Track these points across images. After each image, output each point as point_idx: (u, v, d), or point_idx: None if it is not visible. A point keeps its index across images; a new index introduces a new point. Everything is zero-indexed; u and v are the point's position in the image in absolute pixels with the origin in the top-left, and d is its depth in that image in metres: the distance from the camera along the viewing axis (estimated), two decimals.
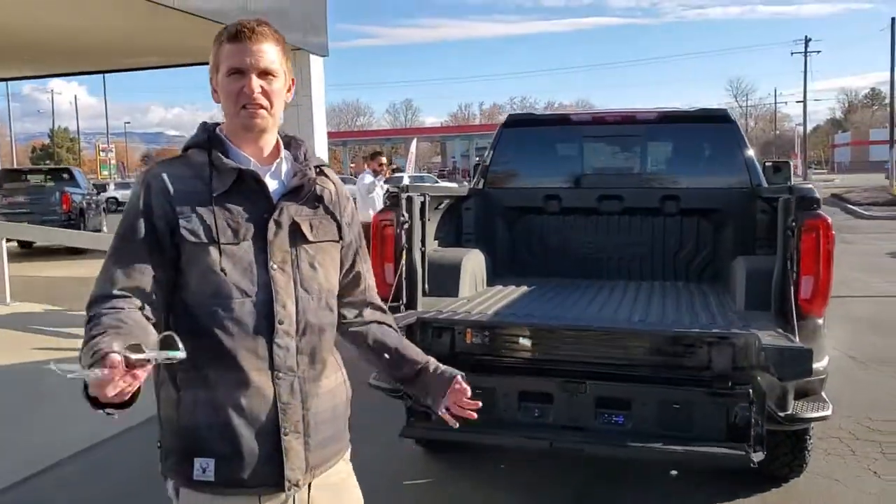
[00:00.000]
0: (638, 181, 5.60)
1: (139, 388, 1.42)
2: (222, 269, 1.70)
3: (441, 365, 2.01)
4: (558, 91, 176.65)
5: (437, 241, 4.76)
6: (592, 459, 4.48)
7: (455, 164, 72.27)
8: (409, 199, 4.01)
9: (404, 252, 3.94)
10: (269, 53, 1.76)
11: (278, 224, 1.76)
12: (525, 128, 5.76)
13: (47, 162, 63.05)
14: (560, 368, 3.50)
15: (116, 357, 1.35)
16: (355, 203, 2.88)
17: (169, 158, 1.85)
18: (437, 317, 3.67)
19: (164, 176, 1.75)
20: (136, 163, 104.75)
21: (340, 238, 1.90)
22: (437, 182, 42.22)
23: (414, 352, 2.05)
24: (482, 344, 3.60)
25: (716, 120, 5.47)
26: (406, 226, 3.94)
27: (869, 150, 73.42)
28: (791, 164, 6.93)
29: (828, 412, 3.53)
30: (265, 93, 1.75)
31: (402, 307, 3.88)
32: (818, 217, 3.46)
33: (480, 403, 1.95)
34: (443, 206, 4.87)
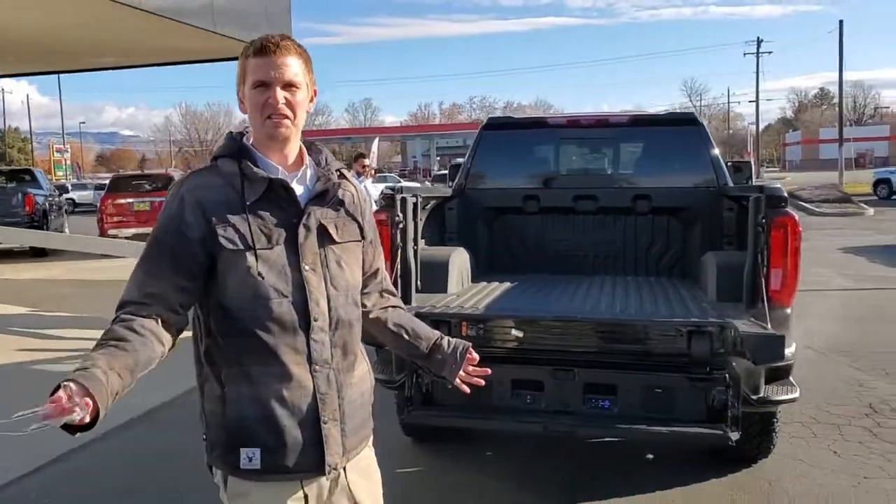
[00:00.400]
0: (611, 181, 5.88)
1: (96, 412, 1.65)
2: (259, 274, 1.82)
3: (451, 339, 2.19)
4: (517, 91, 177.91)
5: (423, 240, 4.97)
6: (575, 449, 4.75)
7: (416, 164, 72.35)
8: (404, 200, 4.22)
9: (399, 250, 4.14)
10: (293, 66, 1.87)
11: (307, 228, 1.89)
12: (504, 130, 6.00)
13: None
14: (550, 357, 3.74)
15: (59, 395, 1.61)
16: None
17: (200, 169, 1.96)
18: (433, 311, 3.88)
19: (198, 188, 1.86)
20: (91, 163, 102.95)
21: (362, 237, 2.04)
22: (399, 181, 42.35)
23: (426, 329, 2.22)
24: (476, 336, 3.82)
25: (684, 123, 5.77)
26: (401, 225, 4.15)
27: (819, 148, 75.27)
28: (752, 163, 7.28)
29: (795, 395, 3.82)
30: (289, 104, 1.86)
31: None
32: (786, 214, 3.75)
33: (489, 370, 2.17)
34: (429, 206, 5.08)
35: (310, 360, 1.88)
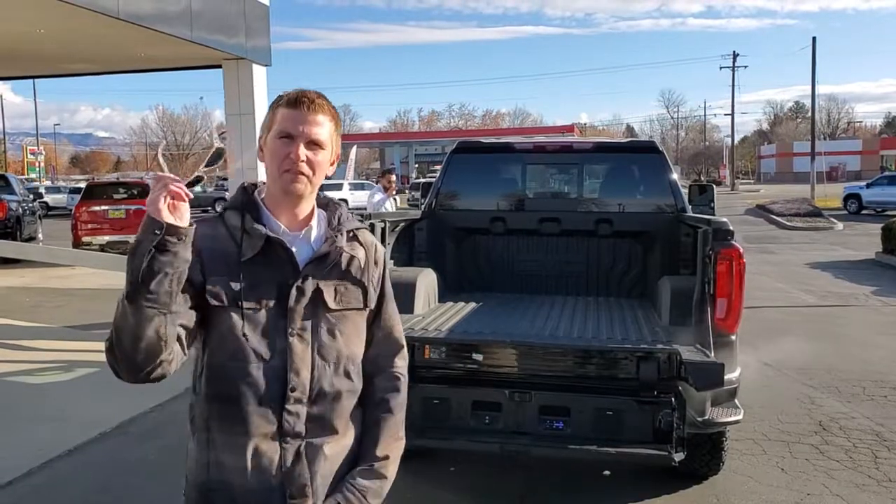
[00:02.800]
0: (575, 205, 6.10)
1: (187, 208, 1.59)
2: (243, 334, 1.74)
3: (362, 483, 1.86)
4: (496, 99, 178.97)
5: (392, 261, 5.13)
6: (534, 464, 4.93)
7: (395, 171, 72.35)
8: (372, 226, 4.38)
9: None
10: (322, 126, 1.82)
11: (301, 291, 1.79)
12: (472, 154, 6.20)
13: None
14: (508, 379, 3.93)
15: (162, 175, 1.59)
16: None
17: (209, 217, 1.87)
18: None
19: (203, 236, 1.76)
20: (66, 165, 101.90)
21: (365, 305, 1.89)
22: (376, 187, 42.43)
23: (372, 447, 1.90)
24: (438, 358, 4.00)
25: (645, 150, 6.00)
26: None
27: (793, 161, 76.22)
28: (714, 187, 7.51)
29: (739, 417, 4.04)
30: (310, 162, 1.79)
31: None
32: (731, 247, 3.96)
33: None
34: (398, 228, 5.26)
35: (280, 433, 1.76)
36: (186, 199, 1.58)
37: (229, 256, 1.79)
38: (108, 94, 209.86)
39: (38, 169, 61.38)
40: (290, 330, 1.78)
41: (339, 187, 38.85)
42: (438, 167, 6.73)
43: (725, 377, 3.55)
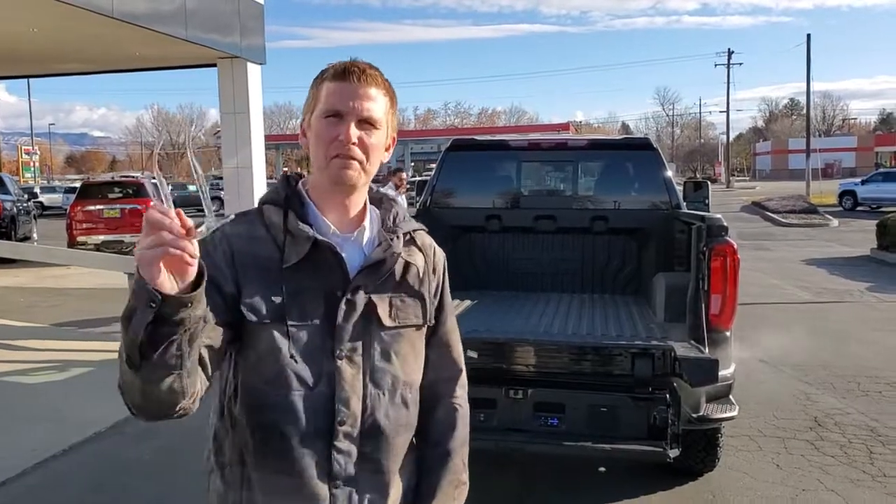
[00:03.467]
0: (570, 202, 6.09)
1: (200, 267, 1.23)
2: (290, 355, 1.46)
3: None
4: (492, 97, 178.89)
5: None
6: (531, 461, 4.93)
7: (391, 169, 72.36)
8: None
9: None
10: (377, 101, 1.52)
11: (351, 304, 1.51)
12: (467, 152, 6.20)
13: None
14: (504, 376, 3.92)
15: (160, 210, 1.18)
16: None
17: (243, 213, 1.57)
18: None
19: (237, 237, 1.50)
20: (61, 165, 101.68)
21: (425, 321, 1.62)
22: (373, 188, 42.29)
23: (429, 497, 1.64)
24: None
25: (639, 147, 6.00)
26: None
27: (788, 158, 76.39)
28: (709, 183, 7.52)
29: (734, 413, 4.04)
30: (363, 144, 1.50)
31: None
32: (726, 243, 3.96)
33: None
34: None
35: (329, 475, 1.49)
36: (194, 259, 1.21)
37: (269, 262, 1.49)
38: (103, 94, 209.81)
39: (33, 169, 61.26)
40: (338, 352, 1.49)
41: None
42: (434, 165, 6.72)
43: (720, 373, 3.56)
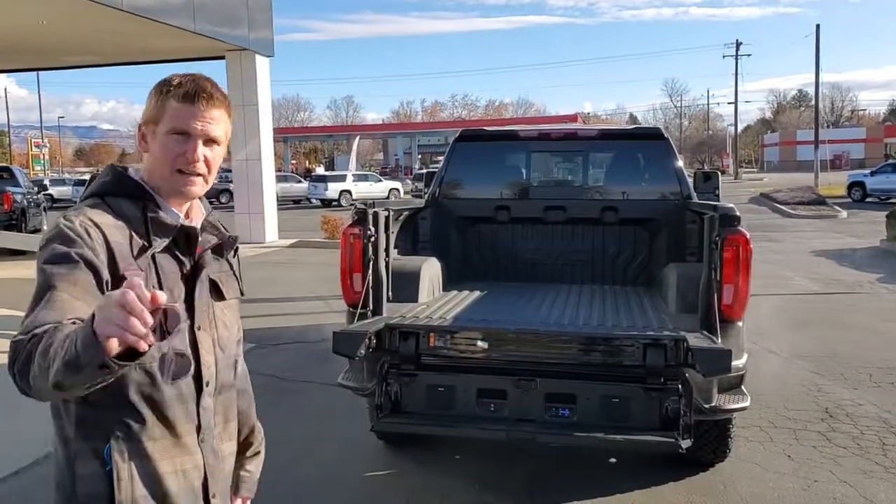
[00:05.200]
0: (580, 192, 6.07)
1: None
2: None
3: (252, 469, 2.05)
4: (499, 89, 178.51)
5: (396, 250, 5.12)
6: (539, 452, 4.93)
7: (398, 162, 72.42)
8: (376, 215, 4.37)
9: (371, 263, 4.29)
10: (220, 121, 1.69)
11: (202, 283, 1.71)
12: (476, 142, 6.17)
13: None
14: (513, 367, 3.91)
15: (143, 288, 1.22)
16: None
17: (94, 205, 1.65)
18: (403, 322, 4.04)
19: (106, 226, 1.60)
20: (70, 158, 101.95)
21: (241, 294, 1.88)
22: (380, 180, 42.43)
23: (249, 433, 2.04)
24: (444, 346, 3.99)
25: (650, 137, 5.97)
26: (373, 239, 4.30)
27: (796, 150, 76.03)
28: (719, 174, 7.49)
29: (746, 403, 4.02)
30: (206, 161, 1.68)
31: (370, 313, 4.23)
32: (738, 233, 3.93)
33: None
34: (402, 217, 5.24)
35: (198, 430, 1.70)
36: (148, 345, 1.24)
37: (135, 250, 1.62)
38: (112, 88, 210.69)
39: (42, 161, 61.42)
40: (196, 324, 1.69)
41: (342, 178, 38.80)
42: (441, 158, 6.70)
43: (732, 363, 3.53)
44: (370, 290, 4.24)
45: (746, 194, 36.00)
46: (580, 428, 3.75)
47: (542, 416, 3.82)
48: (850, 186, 32.62)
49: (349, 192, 36.59)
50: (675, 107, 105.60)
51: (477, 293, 5.10)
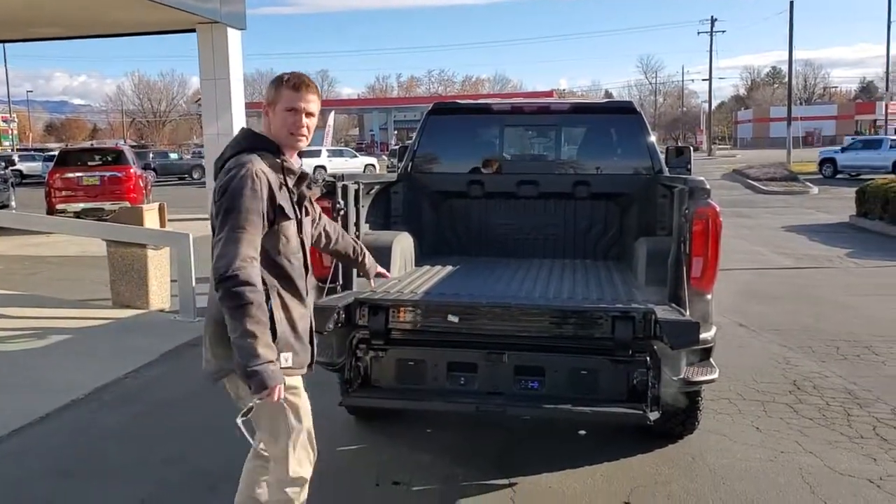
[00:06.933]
0: (553, 167, 6.04)
1: None
2: (298, 235, 2.77)
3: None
4: (475, 65, 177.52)
5: (367, 224, 5.07)
6: (509, 424, 4.94)
7: (373, 138, 71.99)
8: (345, 188, 4.32)
9: None
10: (314, 103, 2.76)
11: (304, 207, 2.86)
12: (449, 115, 6.12)
13: None
14: (483, 341, 3.90)
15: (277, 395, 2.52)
16: None
17: (251, 157, 2.64)
18: (373, 297, 4.01)
19: (264, 171, 2.62)
20: (40, 133, 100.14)
21: (318, 212, 3.20)
22: (355, 156, 42.14)
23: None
24: (413, 320, 3.97)
25: (622, 111, 5.95)
26: (342, 212, 4.25)
27: (769, 126, 76.47)
28: (692, 149, 7.49)
29: (714, 376, 4.04)
30: (307, 127, 2.75)
31: (339, 288, 4.19)
32: (708, 206, 3.93)
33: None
34: (373, 191, 5.19)
35: (307, 293, 2.84)
36: None
37: (278, 184, 2.68)
38: (83, 61, 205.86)
39: (10, 137, 60.36)
40: (303, 232, 2.83)
41: (317, 154, 38.49)
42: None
43: (700, 336, 3.55)
44: (339, 265, 4.20)
45: (720, 171, 36.24)
46: (549, 400, 3.75)
47: (511, 388, 3.81)
48: (822, 163, 32.96)
49: (324, 167, 36.31)
50: (650, 83, 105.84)
51: (449, 268, 5.08)
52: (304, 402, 2.88)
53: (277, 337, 2.62)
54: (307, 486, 2.95)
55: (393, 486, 4.18)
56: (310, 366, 2.89)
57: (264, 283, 2.59)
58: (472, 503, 3.99)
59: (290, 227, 2.69)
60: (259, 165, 2.60)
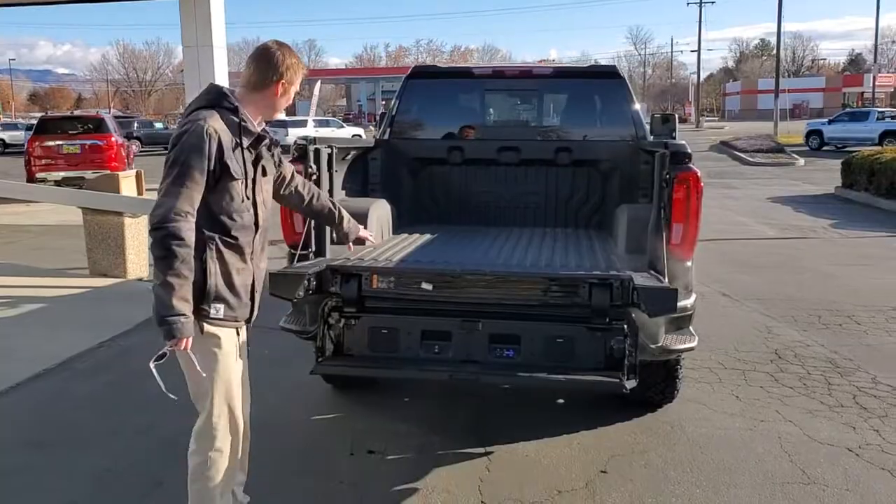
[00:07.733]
0: (534, 133, 5.92)
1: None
2: (245, 193, 2.83)
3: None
4: (464, 35, 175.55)
5: (343, 192, 4.96)
6: (487, 393, 4.88)
7: (361, 108, 71.44)
8: (317, 151, 4.20)
9: None
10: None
11: (260, 166, 2.93)
12: (429, 79, 5.98)
13: None
14: (458, 309, 3.81)
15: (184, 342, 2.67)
16: None
17: (210, 113, 2.73)
18: (345, 264, 3.90)
19: (218, 129, 2.70)
20: (24, 103, 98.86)
21: (275, 169, 3.15)
22: (342, 126, 41.76)
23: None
24: (386, 288, 3.87)
25: (606, 76, 5.82)
26: (314, 177, 4.13)
27: (757, 98, 76.34)
28: (677, 116, 7.39)
29: (693, 344, 3.98)
30: None
31: (312, 255, 4.08)
32: (689, 170, 3.84)
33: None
34: (350, 156, 5.07)
35: (252, 251, 2.93)
36: None
37: (233, 143, 2.77)
38: (67, 29, 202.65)
39: None
40: (256, 191, 2.92)
41: (303, 124, 38.12)
42: None
43: (679, 303, 3.47)
44: (312, 231, 4.09)
45: (707, 142, 36.14)
46: (524, 368, 3.67)
47: (486, 357, 3.73)
48: (808, 135, 32.94)
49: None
50: (640, 55, 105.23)
51: (427, 236, 4.98)
52: (224, 356, 2.89)
53: (209, 287, 2.74)
54: (231, 441, 3.01)
55: (368, 455, 4.12)
56: (248, 321, 2.98)
57: (202, 234, 2.70)
58: (446, 472, 3.94)
59: (235, 185, 2.77)
60: (214, 123, 2.68)
